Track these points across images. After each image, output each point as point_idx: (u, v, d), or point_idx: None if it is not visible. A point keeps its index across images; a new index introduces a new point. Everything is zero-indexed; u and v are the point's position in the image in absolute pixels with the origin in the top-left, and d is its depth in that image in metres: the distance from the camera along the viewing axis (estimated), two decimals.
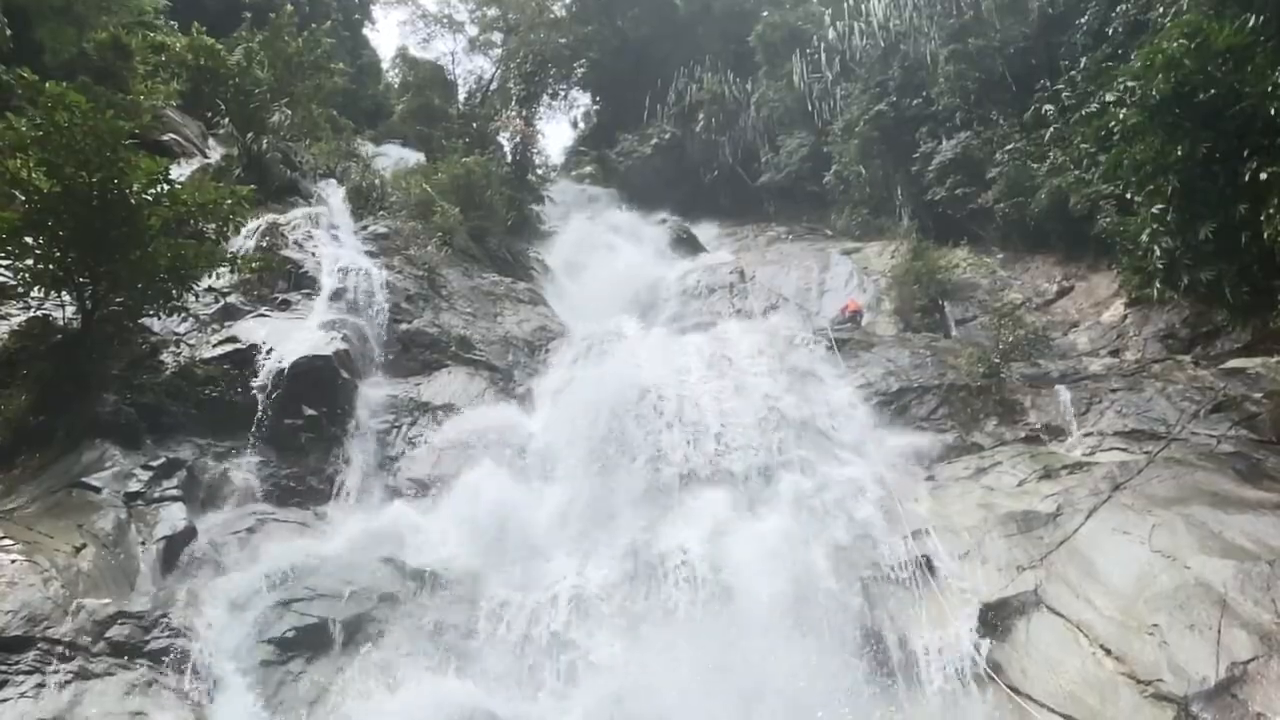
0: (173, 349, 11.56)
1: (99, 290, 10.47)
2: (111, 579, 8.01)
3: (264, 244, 14.13)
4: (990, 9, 23.85)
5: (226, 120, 18.88)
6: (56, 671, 6.68)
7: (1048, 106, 20.08)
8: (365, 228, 17.08)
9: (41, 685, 6.53)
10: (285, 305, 13.45)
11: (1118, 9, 18.08)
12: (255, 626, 8.48)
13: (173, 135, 18.63)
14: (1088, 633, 8.11)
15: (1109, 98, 12.84)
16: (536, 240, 24.52)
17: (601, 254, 24.69)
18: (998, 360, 13.48)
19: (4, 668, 6.49)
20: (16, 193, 9.80)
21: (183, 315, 11.62)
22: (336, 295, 13.74)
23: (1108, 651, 7.85)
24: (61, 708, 6.45)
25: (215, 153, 19.59)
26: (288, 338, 12.26)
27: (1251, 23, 10.32)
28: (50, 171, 9.66)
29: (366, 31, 41.26)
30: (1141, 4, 16.94)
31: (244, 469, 10.54)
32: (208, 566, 9.13)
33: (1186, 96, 10.72)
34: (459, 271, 17.16)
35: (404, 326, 14.04)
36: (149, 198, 10.31)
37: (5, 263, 10.40)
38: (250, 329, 12.36)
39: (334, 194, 19.18)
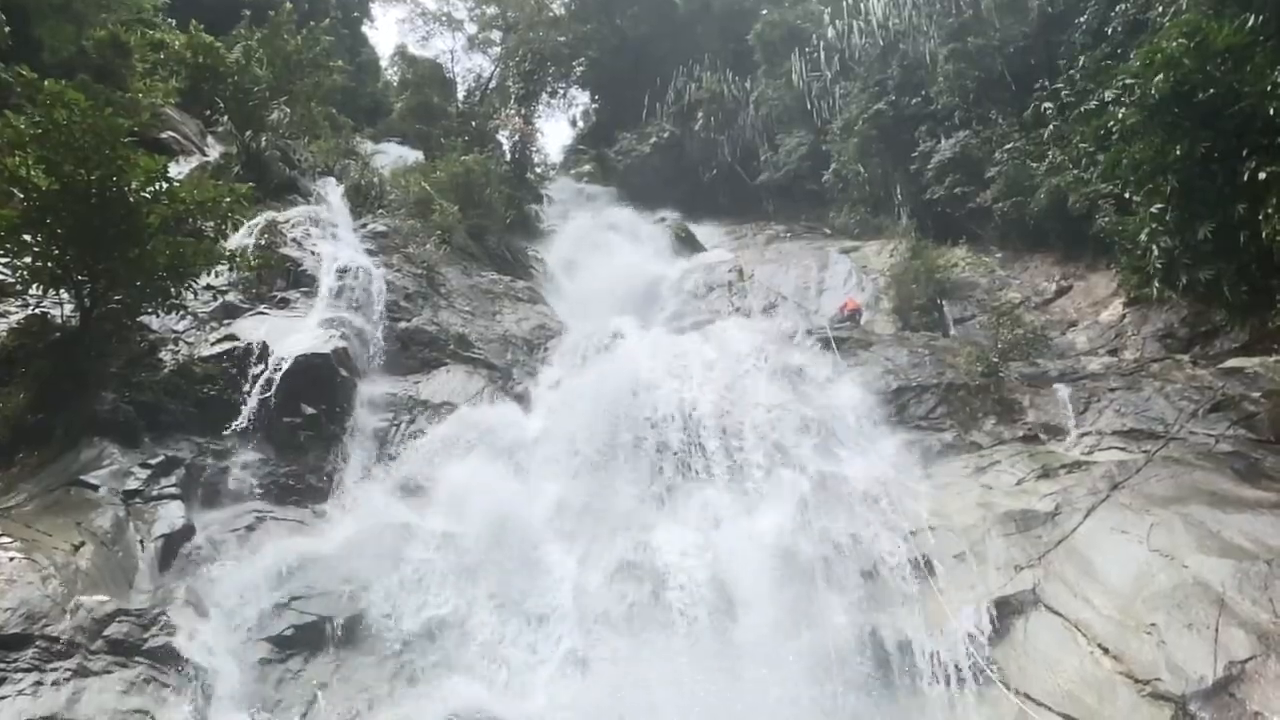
0: (171, 347, 11.55)
1: (98, 288, 10.46)
2: (110, 577, 8.00)
3: (263, 242, 14.09)
4: (989, 8, 23.84)
5: (225, 118, 18.86)
6: (55, 669, 6.67)
7: (1047, 105, 20.08)
8: (364, 226, 17.07)
9: (40, 683, 6.52)
10: (284, 303, 13.44)
11: (1117, 8, 18.08)
12: (254, 624, 8.49)
13: (171, 133, 18.58)
14: (1086, 632, 8.13)
15: (1108, 96, 12.85)
16: (535, 239, 24.54)
17: (600, 253, 24.69)
18: (996, 359, 13.50)
19: (2, 665, 6.48)
20: (15, 190, 9.77)
21: (181, 313, 11.60)
22: (335, 293, 13.72)
23: (1106, 650, 7.86)
24: (60, 705, 6.44)
25: (214, 150, 19.55)
26: (286, 336, 12.25)
27: (1250, 22, 10.33)
28: (49, 169, 9.63)
29: (365, 29, 41.27)
30: (1141, 3, 16.95)
31: (242, 467, 10.51)
32: (206, 564, 9.12)
33: (1185, 96, 10.72)
34: (458, 270, 17.15)
35: (403, 325, 14.03)
36: (148, 195, 10.29)
37: (4, 260, 10.39)
38: (249, 327, 12.34)
39: (333, 192, 19.15)
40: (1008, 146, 20.91)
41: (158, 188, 10.40)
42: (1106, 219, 15.71)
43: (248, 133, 18.13)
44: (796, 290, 22.54)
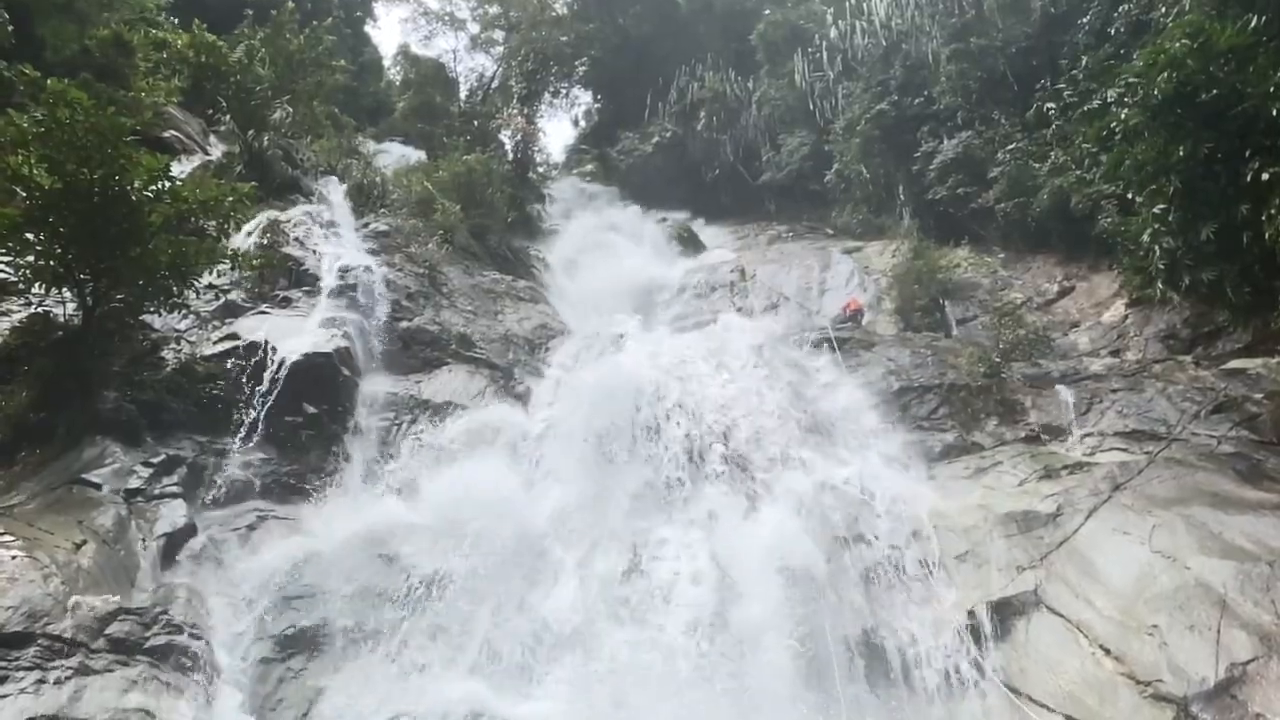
0: (173, 346, 11.55)
1: (100, 287, 10.46)
2: (112, 575, 8.01)
3: (265, 241, 14.11)
4: (992, 8, 23.84)
5: (228, 117, 18.88)
6: (57, 667, 6.67)
7: (1049, 106, 20.05)
8: (366, 225, 17.08)
9: (42, 681, 6.52)
10: (286, 302, 13.44)
11: (1120, 9, 18.04)
12: (255, 623, 8.50)
13: (174, 132, 18.59)
14: (1087, 633, 8.12)
15: (1111, 97, 12.82)
16: (537, 238, 24.54)
17: (602, 252, 24.71)
18: (998, 360, 13.50)
19: (4, 664, 6.48)
20: (18, 189, 9.77)
21: (183, 312, 11.59)
22: (337, 293, 13.72)
23: (1107, 652, 7.86)
24: (62, 704, 6.44)
25: (216, 150, 19.56)
26: (288, 335, 12.25)
27: (1254, 23, 10.30)
28: (52, 168, 9.63)
29: (368, 29, 41.24)
30: (1144, 4, 16.91)
31: (244, 466, 10.51)
32: (208, 563, 9.13)
33: (1188, 96, 10.70)
34: (460, 269, 17.16)
35: (404, 324, 14.03)
36: (150, 194, 10.29)
37: (6, 259, 10.38)
38: (251, 326, 12.35)
39: (335, 191, 19.18)
40: (1010, 147, 20.90)
41: (160, 187, 10.41)
42: (1109, 219, 15.69)
43: (250, 132, 18.14)
44: (798, 290, 22.54)
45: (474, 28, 42.42)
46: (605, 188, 33.77)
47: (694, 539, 10.28)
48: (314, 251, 14.67)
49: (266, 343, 11.86)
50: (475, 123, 28.77)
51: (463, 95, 39.29)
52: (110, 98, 12.24)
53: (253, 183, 13.18)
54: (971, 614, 8.84)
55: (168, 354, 11.38)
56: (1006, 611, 8.78)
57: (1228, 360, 13.07)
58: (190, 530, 9.32)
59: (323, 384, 11.77)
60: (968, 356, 13.70)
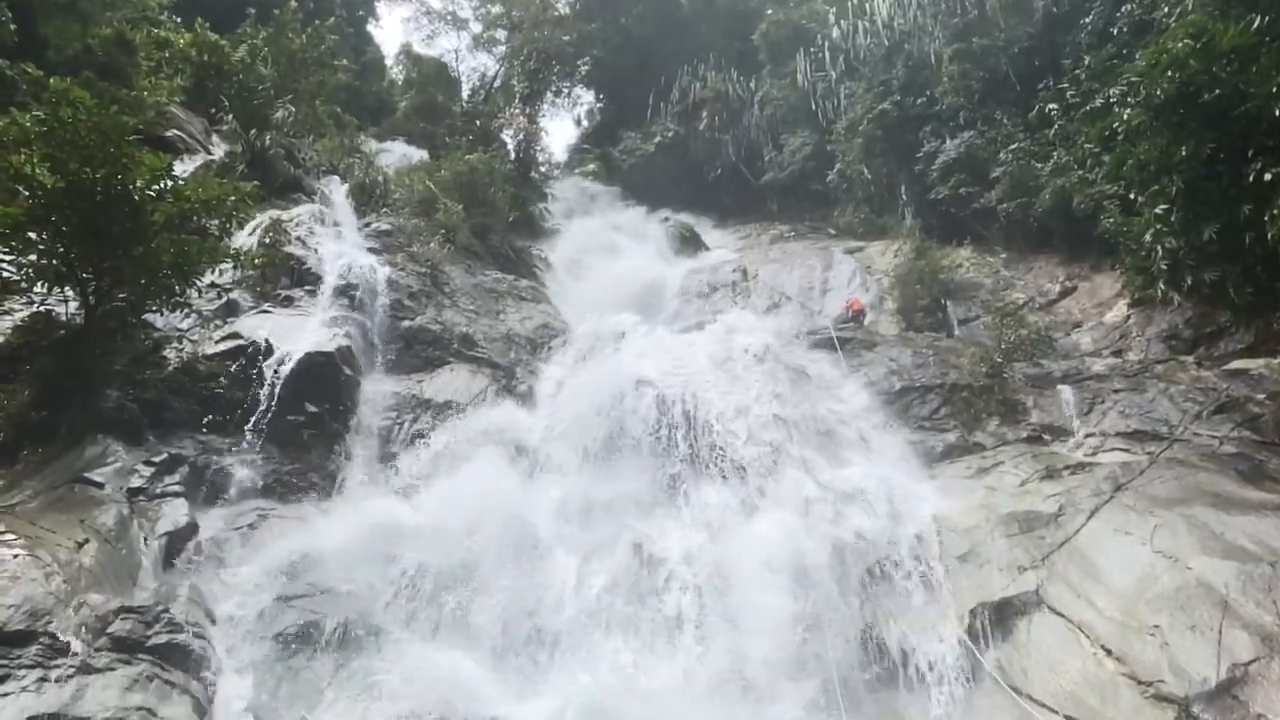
0: (175, 345, 11.58)
1: (102, 286, 10.49)
2: (114, 574, 8.02)
3: (267, 240, 14.14)
4: (995, 8, 23.81)
5: (230, 116, 18.95)
6: (58, 666, 6.69)
7: (1052, 106, 20.03)
8: (368, 225, 17.11)
9: (44, 680, 6.53)
10: (288, 302, 13.47)
11: (1123, 9, 18.03)
12: (257, 622, 8.51)
13: (176, 131, 18.62)
14: (1089, 633, 8.11)
15: (1113, 97, 12.79)
16: (539, 238, 24.58)
17: (604, 252, 24.75)
18: (1000, 360, 13.49)
19: (6, 662, 6.50)
20: (20, 188, 9.79)
21: (186, 311, 11.62)
22: (339, 292, 13.75)
23: (1109, 652, 7.84)
24: (63, 702, 6.45)
25: (219, 149, 19.59)
26: (291, 334, 12.28)
27: (1257, 23, 10.28)
28: (54, 167, 9.66)
29: (370, 28, 41.31)
30: (1146, 4, 16.89)
31: (246, 465, 10.54)
32: (210, 562, 9.15)
33: (1191, 96, 10.67)
34: (461, 269, 17.18)
35: (406, 324, 14.05)
36: (152, 194, 10.32)
37: (9, 258, 10.41)
38: (253, 325, 12.37)
39: (337, 191, 19.22)
40: (1012, 147, 20.87)
41: (162, 186, 10.44)
42: (1111, 220, 15.66)
43: (252, 131, 18.18)
44: (800, 290, 22.53)
45: (476, 27, 42.48)
46: (607, 187, 33.81)
47: (695, 538, 10.27)
48: (316, 251, 14.70)
49: (269, 342, 11.89)
50: (477, 122, 28.81)
51: (465, 95, 39.34)
52: (113, 97, 12.26)
53: (255, 182, 13.23)
54: (973, 614, 8.83)
55: (170, 353, 11.41)
56: (1008, 611, 8.76)
57: (1230, 361, 13.06)
58: (192, 529, 9.34)
59: (324, 383, 11.79)
60: (970, 356, 13.69)
